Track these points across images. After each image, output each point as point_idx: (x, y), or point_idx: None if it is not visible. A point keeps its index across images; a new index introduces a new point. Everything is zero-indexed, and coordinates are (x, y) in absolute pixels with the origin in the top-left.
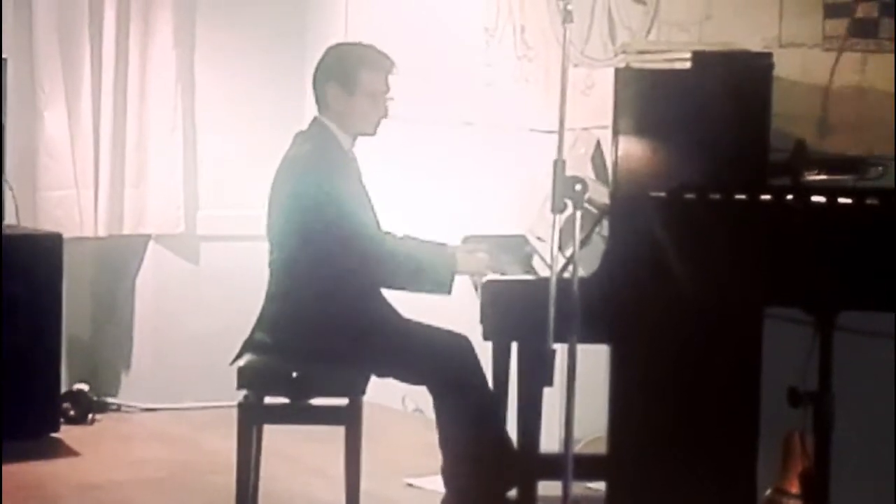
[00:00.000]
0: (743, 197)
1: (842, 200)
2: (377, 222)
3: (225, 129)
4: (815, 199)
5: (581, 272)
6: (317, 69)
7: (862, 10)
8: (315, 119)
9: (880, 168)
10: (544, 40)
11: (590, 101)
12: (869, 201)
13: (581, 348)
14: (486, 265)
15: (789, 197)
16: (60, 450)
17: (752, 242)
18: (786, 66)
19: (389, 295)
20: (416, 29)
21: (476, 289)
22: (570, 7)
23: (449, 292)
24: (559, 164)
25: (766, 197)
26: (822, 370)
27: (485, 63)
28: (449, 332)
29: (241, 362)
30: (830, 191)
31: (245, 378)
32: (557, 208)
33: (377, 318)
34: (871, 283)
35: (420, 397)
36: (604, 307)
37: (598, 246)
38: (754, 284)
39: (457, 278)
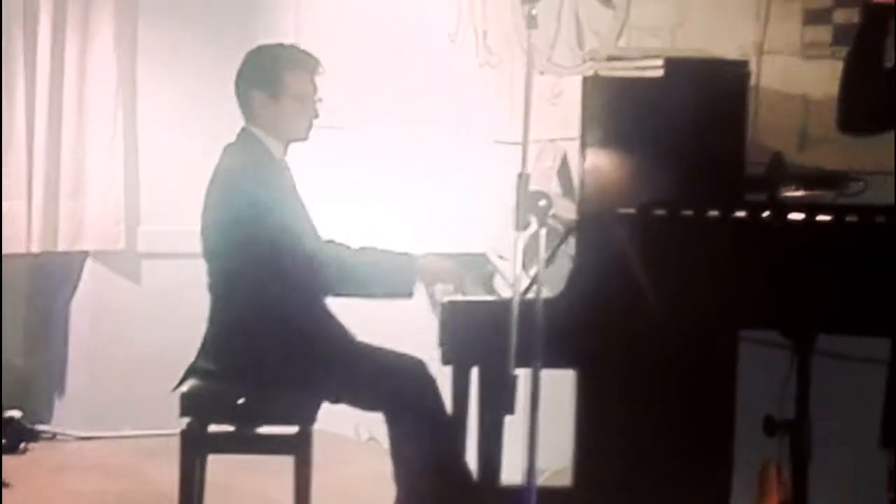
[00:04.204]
0: (716, 213)
1: (821, 217)
2: (315, 231)
3: (169, 138)
4: (793, 215)
5: (546, 293)
6: (238, 76)
7: (841, 16)
8: (243, 129)
9: (861, 183)
10: (508, 46)
11: (557, 111)
12: (849, 218)
13: (545, 373)
14: (446, 271)
15: (765, 213)
16: None
17: (726, 262)
18: (763, 75)
19: (342, 316)
20: (372, 35)
21: (434, 307)
22: (534, 12)
23: (410, 295)
24: (523, 179)
25: (741, 213)
26: (799, 397)
27: (446, 70)
28: (405, 356)
29: (185, 388)
30: (809, 207)
31: (188, 405)
32: (521, 225)
33: (327, 341)
34: (853, 306)
35: (374, 425)
36: (569, 330)
37: (564, 265)
38: (728, 306)
39: (415, 299)
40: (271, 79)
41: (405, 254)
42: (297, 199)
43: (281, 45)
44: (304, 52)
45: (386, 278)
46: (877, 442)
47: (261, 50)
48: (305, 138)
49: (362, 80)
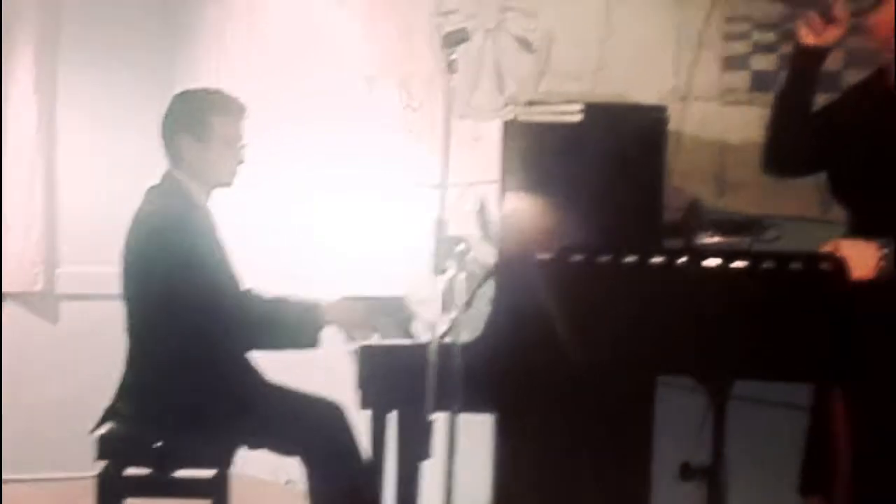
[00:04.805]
0: (633, 259)
1: (736, 264)
2: (236, 280)
3: (89, 180)
4: (709, 262)
5: (464, 337)
6: (165, 120)
7: (758, 62)
8: (167, 173)
9: (776, 230)
10: (429, 90)
11: (477, 155)
12: (764, 264)
13: (463, 418)
14: (359, 316)
15: (682, 259)
16: None
17: (643, 307)
18: (682, 120)
19: (261, 357)
20: (294, 78)
21: (352, 351)
22: (454, 57)
23: (315, 346)
24: (440, 224)
25: (658, 259)
26: (715, 442)
27: (367, 113)
28: (322, 400)
29: (102, 431)
30: (725, 253)
31: (105, 448)
32: (438, 269)
33: (244, 385)
34: (768, 352)
35: (293, 468)
36: (487, 374)
37: (482, 309)
38: (645, 352)
39: (332, 343)
40: (199, 123)
41: (313, 305)
42: (219, 244)
43: (208, 91)
44: (230, 97)
45: (290, 333)
46: (796, 489)
47: (188, 94)
48: (230, 184)
49: (284, 122)
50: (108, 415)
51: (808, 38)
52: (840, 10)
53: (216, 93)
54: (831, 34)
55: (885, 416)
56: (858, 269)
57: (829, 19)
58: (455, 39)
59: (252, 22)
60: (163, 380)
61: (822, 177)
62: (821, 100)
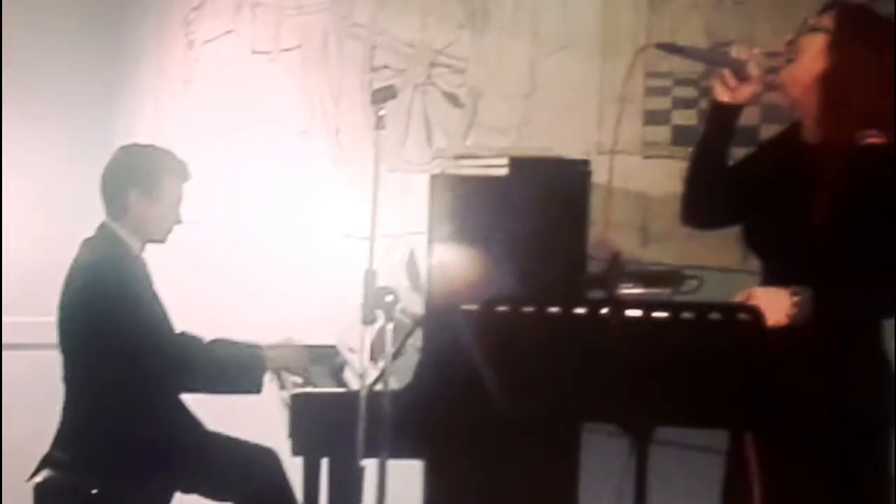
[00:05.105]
0: (557, 310)
1: (657, 314)
2: (171, 327)
3: (28, 231)
4: (630, 312)
5: (394, 385)
6: (112, 172)
7: (680, 117)
8: (103, 224)
9: (695, 281)
10: (360, 143)
11: (407, 207)
12: (684, 315)
13: (393, 464)
14: (293, 360)
15: (604, 310)
16: None
17: (566, 357)
18: (605, 173)
19: (195, 404)
20: (227, 131)
21: (284, 398)
22: (382, 113)
23: (259, 391)
24: (369, 275)
25: (581, 310)
26: (637, 488)
27: (299, 166)
28: (256, 446)
29: (39, 478)
30: (646, 304)
31: (42, 495)
32: (367, 319)
33: (179, 431)
34: (689, 400)
35: None
36: (416, 421)
37: (412, 358)
38: (569, 401)
39: (266, 391)
40: (151, 181)
41: (255, 351)
42: (154, 294)
43: (159, 149)
44: (180, 160)
45: (235, 376)
46: None
47: (136, 149)
48: (164, 241)
49: (217, 174)
50: (45, 462)
51: (722, 95)
52: (753, 68)
53: (167, 154)
54: (745, 92)
55: (797, 460)
56: (772, 316)
57: (742, 77)
58: (383, 96)
59: (187, 78)
60: (98, 427)
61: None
62: (738, 154)
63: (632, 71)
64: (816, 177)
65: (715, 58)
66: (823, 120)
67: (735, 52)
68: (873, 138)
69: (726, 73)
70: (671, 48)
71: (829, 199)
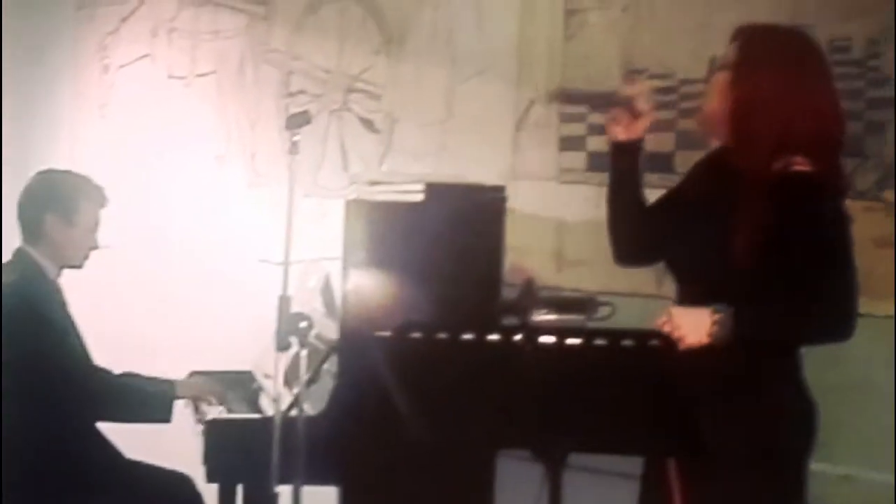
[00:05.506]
0: (470, 337)
1: (570, 341)
2: (88, 354)
3: None
4: (544, 339)
5: (309, 411)
6: (28, 198)
7: (595, 143)
8: (19, 249)
9: (609, 307)
10: (276, 168)
11: (323, 232)
12: (597, 342)
13: (308, 490)
14: (206, 389)
15: (517, 337)
16: None
17: (480, 384)
18: (521, 199)
19: (112, 431)
20: (144, 156)
21: (198, 423)
22: (296, 138)
23: (168, 420)
24: (283, 301)
25: (495, 337)
26: None
27: (215, 191)
28: (172, 472)
29: None
30: (559, 331)
31: None
32: (281, 346)
33: (95, 458)
34: (602, 426)
35: None
36: (331, 447)
37: (327, 384)
38: (483, 428)
39: (180, 416)
40: (69, 206)
41: (166, 381)
42: (70, 320)
43: (77, 175)
44: (98, 186)
45: (145, 405)
46: None
47: (55, 175)
48: (81, 266)
49: (133, 199)
50: None
51: (619, 134)
52: (643, 103)
53: (84, 178)
54: (639, 126)
55: (717, 485)
56: (693, 336)
57: (634, 114)
58: (298, 122)
59: (103, 103)
60: (11, 453)
61: None
62: (654, 180)
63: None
64: (740, 203)
65: (603, 99)
66: (741, 152)
67: (622, 89)
68: (798, 166)
69: (618, 111)
70: (562, 97)
71: (751, 226)
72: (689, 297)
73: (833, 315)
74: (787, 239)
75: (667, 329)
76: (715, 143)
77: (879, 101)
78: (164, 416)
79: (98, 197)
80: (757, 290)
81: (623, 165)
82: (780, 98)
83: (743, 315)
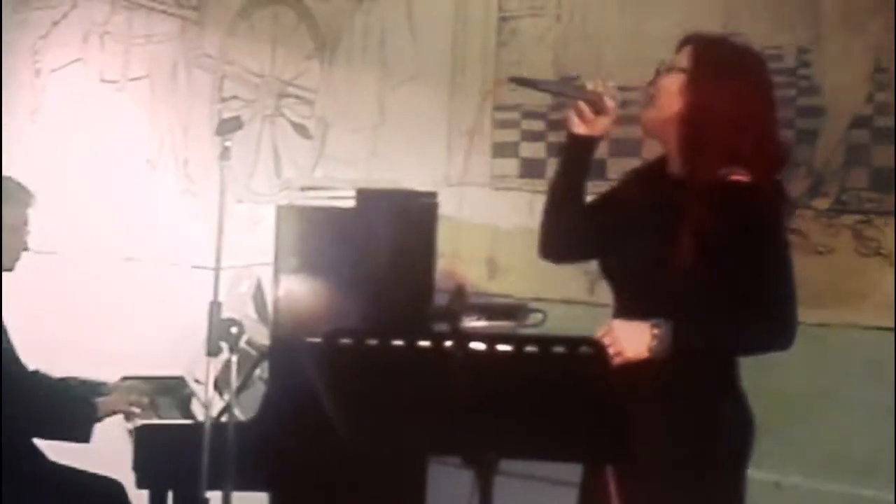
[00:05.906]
0: (401, 342)
1: (501, 347)
2: (21, 363)
3: None
4: (475, 345)
5: (240, 416)
6: None
7: (528, 149)
8: None
9: (540, 314)
10: (208, 174)
11: (255, 238)
12: (528, 348)
13: (238, 496)
14: (132, 400)
15: (448, 343)
16: None
17: (410, 390)
18: (454, 205)
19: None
20: (79, 161)
21: (130, 429)
22: (227, 144)
23: (87, 441)
24: (214, 306)
25: (425, 343)
26: None
27: (147, 196)
28: (103, 478)
29: None
30: (490, 337)
31: None
32: (212, 351)
33: (25, 464)
34: (532, 433)
35: None
36: (261, 453)
37: (259, 389)
38: (414, 434)
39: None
40: None
41: (88, 399)
42: (1, 326)
43: None
44: (19, 185)
45: (64, 426)
46: None
47: None
48: (12, 269)
49: (70, 206)
50: None
51: (578, 127)
52: (609, 101)
53: (7, 180)
54: (601, 124)
55: (655, 493)
56: (632, 349)
57: (598, 110)
58: (229, 127)
59: (35, 107)
60: None
61: (591, 262)
62: (587, 186)
63: (480, 103)
64: (679, 211)
65: (570, 91)
66: (685, 158)
67: (591, 84)
68: (737, 176)
69: (582, 105)
70: (524, 82)
71: (690, 235)
72: (628, 306)
73: (774, 325)
74: (727, 247)
75: (606, 341)
76: (648, 153)
77: (810, 110)
78: (82, 437)
79: (22, 197)
80: (696, 300)
81: (574, 155)
82: (732, 107)
83: (682, 329)
